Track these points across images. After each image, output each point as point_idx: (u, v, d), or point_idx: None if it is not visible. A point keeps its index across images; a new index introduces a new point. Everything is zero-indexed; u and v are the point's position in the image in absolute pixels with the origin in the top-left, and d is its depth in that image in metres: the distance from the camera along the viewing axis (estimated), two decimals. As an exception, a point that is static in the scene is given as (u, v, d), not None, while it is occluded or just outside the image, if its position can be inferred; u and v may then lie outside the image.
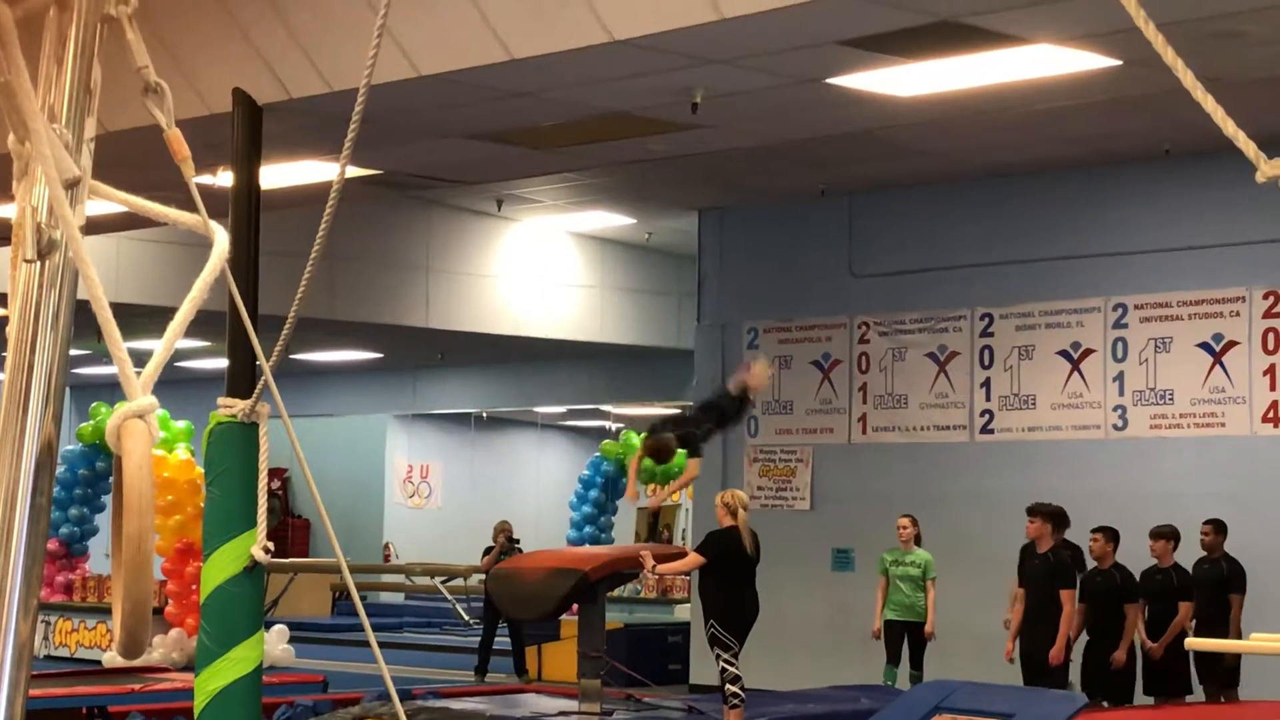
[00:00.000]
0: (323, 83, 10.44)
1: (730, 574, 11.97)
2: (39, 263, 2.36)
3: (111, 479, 2.41)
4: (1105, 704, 12.30)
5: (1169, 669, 12.71)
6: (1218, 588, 12.84)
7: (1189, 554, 13.12)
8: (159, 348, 2.43)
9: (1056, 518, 12.76)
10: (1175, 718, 11.76)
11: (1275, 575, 13.01)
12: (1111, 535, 12.89)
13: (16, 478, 2.31)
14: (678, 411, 14.46)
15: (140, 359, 2.41)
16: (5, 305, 2.45)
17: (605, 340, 21.34)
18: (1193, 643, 10.18)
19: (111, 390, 25.64)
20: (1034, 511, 12.65)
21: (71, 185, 2.34)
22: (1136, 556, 13.20)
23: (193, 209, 2.72)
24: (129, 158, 8.72)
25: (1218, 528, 13.09)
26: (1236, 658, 12.56)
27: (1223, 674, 12.72)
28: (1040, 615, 12.35)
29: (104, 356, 22.18)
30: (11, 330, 2.37)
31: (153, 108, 2.51)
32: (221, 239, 2.56)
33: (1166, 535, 12.99)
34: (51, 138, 2.33)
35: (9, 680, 2.26)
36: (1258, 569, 13.01)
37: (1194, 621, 12.78)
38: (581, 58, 9.72)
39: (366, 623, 4.43)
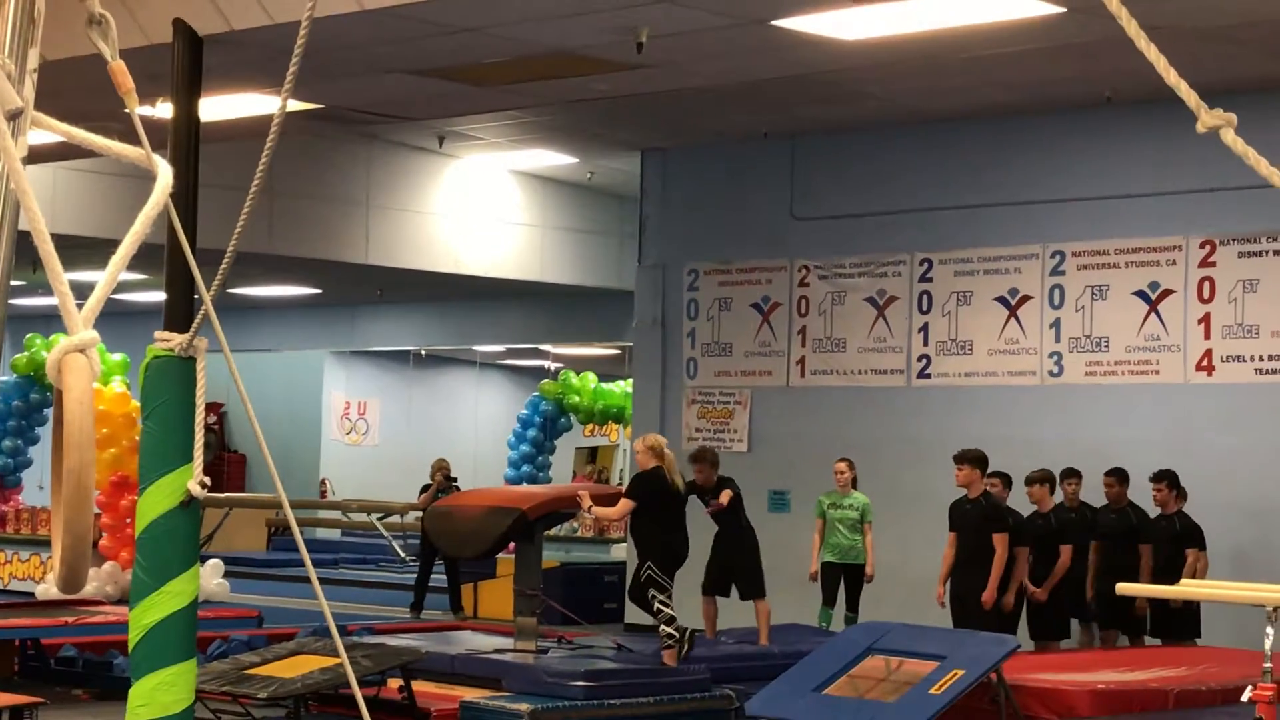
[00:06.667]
0: (265, 14, 10.35)
1: (663, 515, 11.99)
2: (-21, 194, 2.33)
3: (51, 413, 2.40)
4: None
5: (1049, 611, 13.13)
6: (1126, 537, 13.08)
7: (1141, 498, 13.35)
8: (101, 282, 2.41)
9: (984, 463, 12.88)
10: (1105, 660, 11.89)
11: (1209, 522, 13.12)
12: (1007, 481, 13.32)
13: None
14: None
15: (78, 291, 2.39)
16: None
17: (545, 280, 21.29)
18: (1124, 588, 10.30)
19: (46, 321, 25.44)
20: (962, 459, 12.72)
21: (14, 116, 2.31)
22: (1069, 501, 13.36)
23: (133, 140, 2.70)
24: (63, 87, 8.63)
25: (1120, 478, 13.36)
26: (1186, 606, 12.69)
27: (1179, 625, 12.88)
28: (972, 559, 12.45)
29: (38, 287, 21.98)
30: (-49, 262, 2.35)
31: (97, 40, 2.49)
32: (165, 173, 2.53)
33: (1041, 480, 13.40)
34: (-7, 68, 2.31)
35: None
36: (1191, 516, 13.16)
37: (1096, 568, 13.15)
38: (526, -5, 9.68)
39: (308, 558, 4.42)
